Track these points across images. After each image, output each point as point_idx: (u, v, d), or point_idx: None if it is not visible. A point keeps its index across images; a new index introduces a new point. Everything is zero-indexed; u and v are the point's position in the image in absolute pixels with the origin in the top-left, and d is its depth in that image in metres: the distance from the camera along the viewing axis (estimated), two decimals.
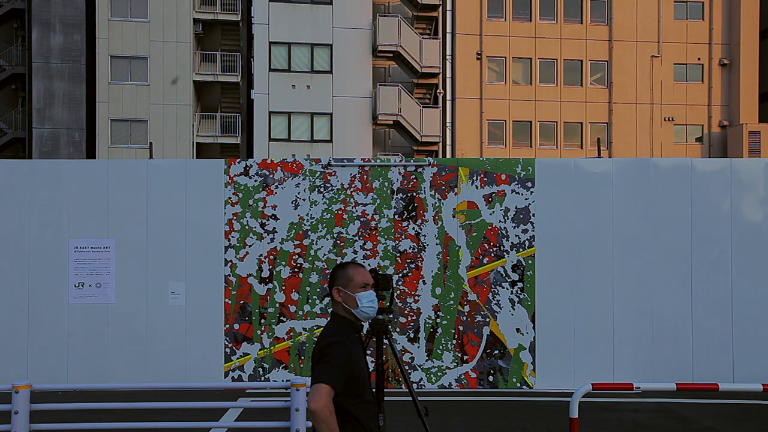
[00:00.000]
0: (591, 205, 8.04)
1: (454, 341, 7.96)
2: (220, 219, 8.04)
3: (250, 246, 8.02)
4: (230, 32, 26.80)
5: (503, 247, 8.01)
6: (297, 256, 8.01)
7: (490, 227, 8.03)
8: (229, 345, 7.97)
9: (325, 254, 8.01)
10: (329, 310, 7.98)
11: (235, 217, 8.04)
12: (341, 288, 2.86)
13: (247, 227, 8.04)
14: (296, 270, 8.01)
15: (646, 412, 6.89)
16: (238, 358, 7.98)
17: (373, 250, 8.01)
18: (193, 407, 5.79)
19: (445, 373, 7.94)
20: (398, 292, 7.98)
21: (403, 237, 8.03)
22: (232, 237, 8.03)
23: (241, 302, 8.00)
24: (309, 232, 8.03)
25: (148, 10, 24.93)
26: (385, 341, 4.45)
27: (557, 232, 8.01)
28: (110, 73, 24.85)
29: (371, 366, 7.13)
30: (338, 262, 3.12)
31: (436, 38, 25.38)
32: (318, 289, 8.01)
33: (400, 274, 8.00)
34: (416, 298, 7.98)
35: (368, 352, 7.23)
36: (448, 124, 25.99)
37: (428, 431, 3.87)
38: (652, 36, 26.72)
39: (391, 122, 24.39)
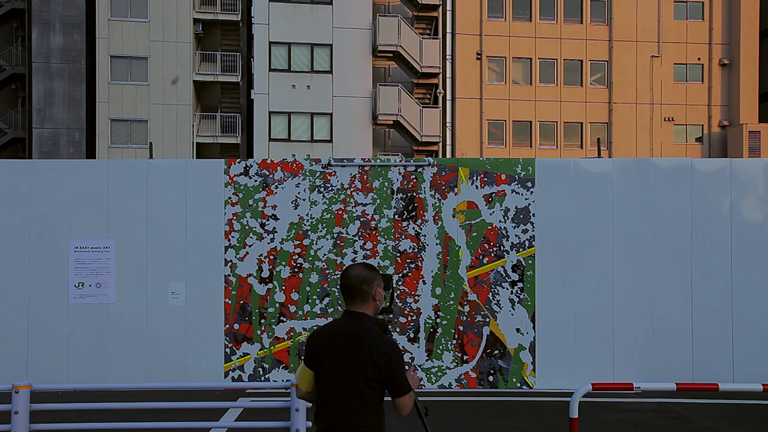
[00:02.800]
0: (591, 205, 8.04)
1: (454, 341, 7.96)
2: (220, 219, 8.04)
3: (250, 246, 8.02)
4: (230, 32, 26.80)
5: (503, 247, 8.01)
6: (297, 256, 8.01)
7: (490, 227, 8.03)
8: (229, 345, 7.97)
9: (325, 254, 8.01)
10: (329, 310, 8.01)
11: (235, 217, 8.04)
12: (379, 290, 2.87)
13: (247, 227, 8.04)
14: (296, 270, 8.01)
15: (646, 412, 6.89)
16: (238, 358, 7.98)
17: (373, 250, 8.01)
18: (193, 407, 5.79)
19: (445, 373, 7.94)
20: (398, 292, 7.98)
21: (403, 237, 8.03)
22: (232, 237, 8.03)
23: (241, 302, 8.00)
24: (309, 232, 8.03)
25: (148, 10, 24.93)
26: None
27: (557, 232, 8.01)
28: (110, 73, 24.84)
29: None
30: (361, 263, 3.10)
31: (436, 38, 25.38)
32: (318, 289, 8.00)
33: (400, 274, 8.00)
34: (416, 298, 7.98)
35: None
36: (448, 124, 25.98)
37: (428, 431, 3.88)
38: (652, 36, 26.72)
39: (391, 122, 24.38)
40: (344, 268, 3.00)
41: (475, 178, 8.06)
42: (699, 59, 26.97)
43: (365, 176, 8.08)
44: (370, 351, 2.70)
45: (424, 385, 7.93)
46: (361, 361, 2.70)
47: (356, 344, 2.73)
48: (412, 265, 8.01)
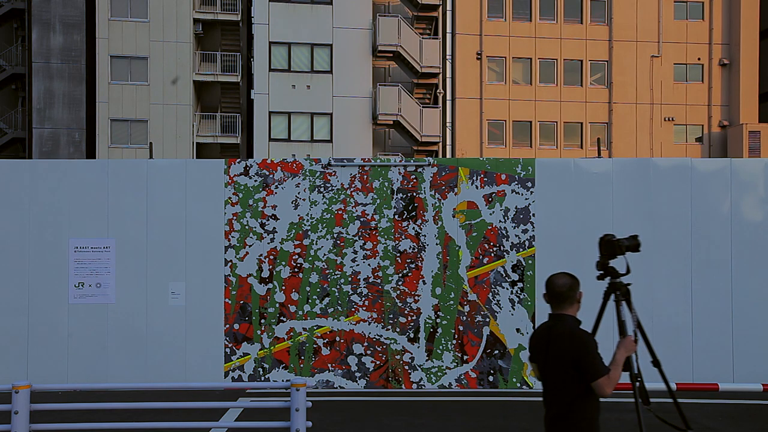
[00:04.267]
0: (591, 205, 8.04)
1: (454, 341, 7.96)
2: (220, 219, 8.04)
3: (250, 246, 8.02)
4: (230, 32, 26.80)
5: (503, 247, 8.01)
6: (297, 256, 8.02)
7: (490, 227, 8.03)
8: (229, 345, 7.98)
9: (325, 254, 8.01)
10: (329, 310, 8.01)
11: (235, 217, 8.04)
12: (580, 291, 3.43)
13: (247, 227, 8.04)
14: (296, 270, 8.01)
15: (646, 412, 6.88)
16: (238, 358, 7.98)
17: (373, 250, 8.01)
18: (193, 407, 5.80)
19: (445, 373, 7.94)
20: (398, 292, 7.98)
21: (403, 237, 8.03)
22: (232, 237, 8.03)
23: (241, 302, 8.00)
24: (309, 232, 8.03)
25: (148, 10, 24.93)
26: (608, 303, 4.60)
27: (557, 232, 8.01)
28: (110, 73, 24.85)
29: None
30: (563, 272, 3.53)
31: (436, 38, 25.38)
32: (318, 289, 8.00)
33: (400, 274, 8.00)
34: (416, 298, 7.98)
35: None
36: (448, 124, 25.99)
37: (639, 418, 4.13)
38: (652, 36, 26.72)
39: (391, 122, 24.38)
40: (549, 277, 3.46)
41: (475, 178, 8.07)
42: (699, 59, 26.98)
43: (365, 176, 8.08)
44: (568, 343, 3.23)
45: (423, 386, 7.93)
46: (563, 354, 3.23)
47: (559, 340, 3.27)
48: (412, 265, 8.02)
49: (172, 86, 25.07)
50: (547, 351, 3.31)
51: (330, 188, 8.07)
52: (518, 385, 7.92)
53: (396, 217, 8.05)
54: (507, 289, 7.99)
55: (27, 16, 26.07)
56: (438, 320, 7.97)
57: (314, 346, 7.98)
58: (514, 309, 7.98)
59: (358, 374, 7.95)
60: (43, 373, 7.84)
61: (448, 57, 25.92)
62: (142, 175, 8.09)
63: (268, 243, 8.03)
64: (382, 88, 24.29)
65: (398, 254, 8.02)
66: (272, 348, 7.99)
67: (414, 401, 7.34)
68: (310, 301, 8.01)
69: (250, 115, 26.16)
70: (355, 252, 8.01)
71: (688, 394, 7.43)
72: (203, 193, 8.06)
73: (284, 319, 7.99)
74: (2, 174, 8.09)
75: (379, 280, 7.99)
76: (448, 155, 25.57)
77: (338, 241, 8.03)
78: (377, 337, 7.96)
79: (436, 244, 8.03)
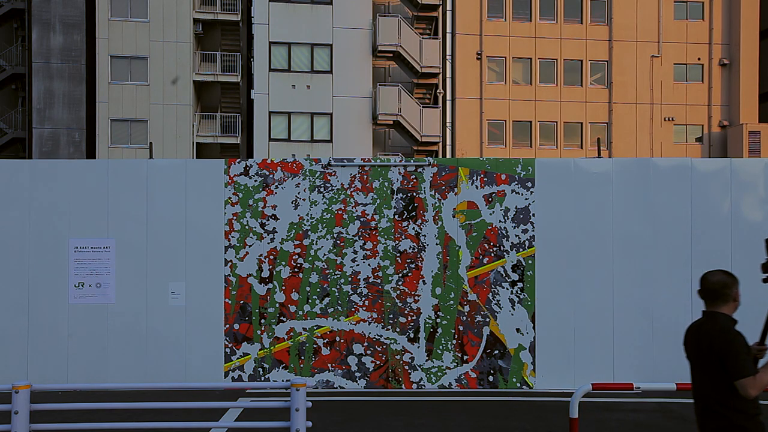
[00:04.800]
0: (591, 205, 8.04)
1: (454, 341, 7.96)
2: (220, 219, 8.04)
3: (250, 246, 8.03)
4: (230, 32, 26.79)
5: (503, 247, 8.01)
6: (297, 256, 8.02)
7: (490, 227, 8.03)
8: (229, 345, 7.98)
9: (325, 254, 8.01)
10: (329, 310, 8.02)
11: (235, 217, 8.04)
12: (738, 291, 3.44)
13: (247, 227, 8.04)
14: (296, 270, 8.01)
15: (646, 412, 6.89)
16: (238, 358, 7.98)
17: (373, 250, 8.01)
18: (193, 407, 5.79)
19: (445, 373, 7.94)
20: (398, 292, 7.98)
21: (403, 237, 8.03)
22: (232, 237, 8.03)
23: (241, 302, 8.00)
24: (309, 232, 8.03)
25: (148, 10, 24.93)
26: None
27: (557, 232, 8.01)
28: (110, 73, 24.84)
29: None
30: (720, 270, 3.53)
31: (436, 38, 25.38)
32: (318, 289, 8.00)
33: (400, 274, 8.00)
34: (416, 298, 7.98)
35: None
36: (448, 124, 25.98)
37: None
38: (652, 36, 26.71)
39: (391, 122, 24.38)
40: (704, 274, 3.45)
41: (475, 178, 8.07)
42: (699, 59, 26.97)
43: (365, 176, 8.08)
44: (716, 341, 3.25)
45: (423, 386, 7.92)
46: (709, 351, 3.26)
47: (707, 338, 3.30)
48: (412, 265, 8.02)
49: (172, 86, 25.07)
50: (696, 348, 3.35)
51: (330, 188, 8.07)
52: (518, 385, 7.92)
53: (396, 217, 8.05)
54: (507, 289, 7.99)
55: (27, 16, 26.06)
56: (438, 320, 7.97)
57: (314, 346, 7.98)
58: (514, 309, 7.98)
59: (358, 374, 7.95)
60: (43, 373, 7.84)
61: (448, 57, 25.92)
62: (142, 175, 8.09)
63: (268, 243, 8.03)
64: (382, 88, 24.28)
65: (398, 254, 8.02)
66: (272, 348, 7.99)
67: (414, 401, 7.34)
68: (310, 301, 8.01)
69: (250, 115, 26.16)
70: (355, 252, 8.01)
71: (688, 394, 7.41)
72: (203, 193, 8.06)
73: (284, 319, 7.99)
74: (2, 174, 8.10)
75: (379, 280, 7.99)
76: (448, 155, 25.57)
77: (338, 241, 8.03)
78: (377, 337, 7.96)
79: (436, 244, 8.03)
